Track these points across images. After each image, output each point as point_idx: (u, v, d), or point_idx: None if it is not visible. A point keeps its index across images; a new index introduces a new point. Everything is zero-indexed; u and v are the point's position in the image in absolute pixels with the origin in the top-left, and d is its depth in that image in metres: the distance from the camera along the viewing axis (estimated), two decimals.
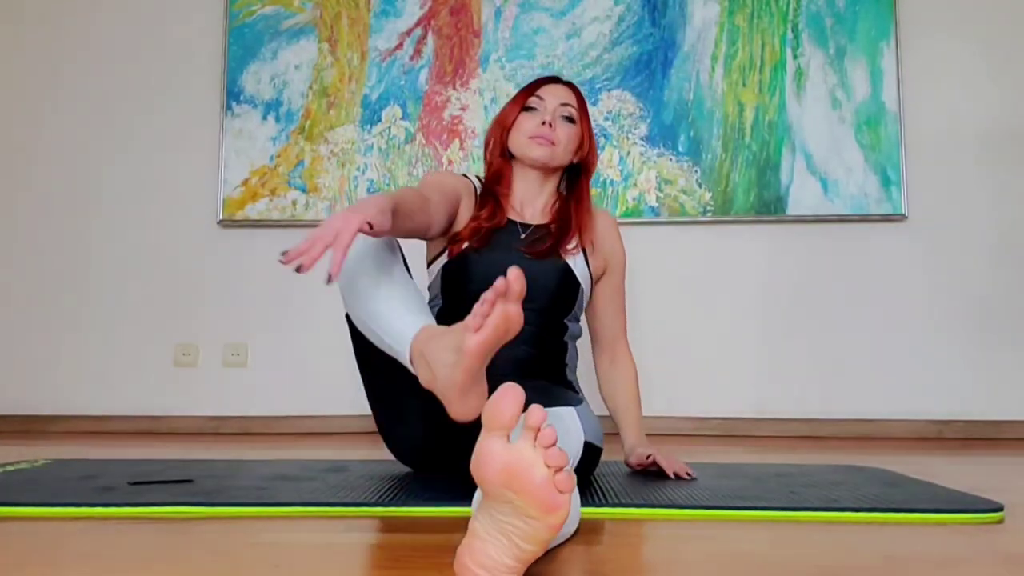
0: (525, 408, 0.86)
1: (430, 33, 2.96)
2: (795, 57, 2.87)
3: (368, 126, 2.93)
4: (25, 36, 3.07)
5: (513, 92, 2.87)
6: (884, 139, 2.80)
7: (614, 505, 1.31)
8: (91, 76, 3.04)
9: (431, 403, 1.24)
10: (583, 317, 1.79)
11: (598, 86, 2.90)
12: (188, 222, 2.97)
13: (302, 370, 2.88)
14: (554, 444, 0.83)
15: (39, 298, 2.97)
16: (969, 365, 2.75)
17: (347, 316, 1.51)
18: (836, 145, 2.82)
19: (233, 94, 2.96)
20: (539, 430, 0.83)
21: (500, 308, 1.02)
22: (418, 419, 1.52)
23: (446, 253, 1.66)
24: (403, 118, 2.93)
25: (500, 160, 1.73)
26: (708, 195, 2.83)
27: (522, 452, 0.83)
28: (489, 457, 0.84)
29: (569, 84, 1.76)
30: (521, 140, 1.68)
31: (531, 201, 1.73)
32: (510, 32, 2.94)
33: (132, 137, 3.01)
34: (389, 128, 2.93)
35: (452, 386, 1.11)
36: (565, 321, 1.67)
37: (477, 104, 2.92)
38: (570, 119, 1.70)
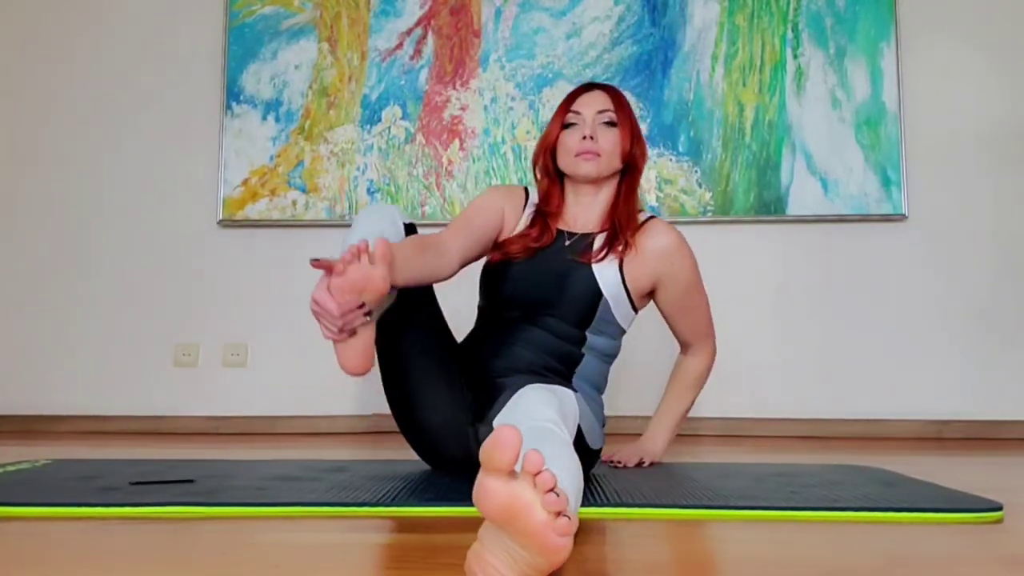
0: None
1: (430, 33, 2.96)
2: (795, 57, 2.86)
3: (368, 126, 2.93)
4: (25, 37, 3.07)
5: (513, 92, 2.89)
6: (884, 139, 2.80)
7: (615, 505, 1.31)
8: (91, 76, 3.04)
9: (441, 393, 1.42)
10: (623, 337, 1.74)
11: None
12: (188, 222, 2.96)
13: (302, 370, 2.88)
14: (553, 489, 0.81)
15: (39, 298, 2.97)
16: (969, 365, 2.74)
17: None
18: (836, 145, 2.81)
19: (233, 94, 2.96)
20: (537, 474, 0.82)
21: (358, 265, 1.19)
22: (431, 410, 1.54)
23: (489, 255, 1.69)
24: (403, 118, 2.93)
25: (547, 180, 1.72)
26: (708, 195, 2.83)
27: (522, 493, 0.81)
28: (489, 494, 0.83)
29: (604, 87, 1.72)
30: (568, 159, 1.67)
31: (584, 212, 1.71)
32: (510, 32, 2.94)
33: (132, 137, 3.01)
34: (389, 128, 2.93)
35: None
36: (586, 332, 1.62)
37: (477, 104, 2.92)
38: (611, 123, 1.67)
